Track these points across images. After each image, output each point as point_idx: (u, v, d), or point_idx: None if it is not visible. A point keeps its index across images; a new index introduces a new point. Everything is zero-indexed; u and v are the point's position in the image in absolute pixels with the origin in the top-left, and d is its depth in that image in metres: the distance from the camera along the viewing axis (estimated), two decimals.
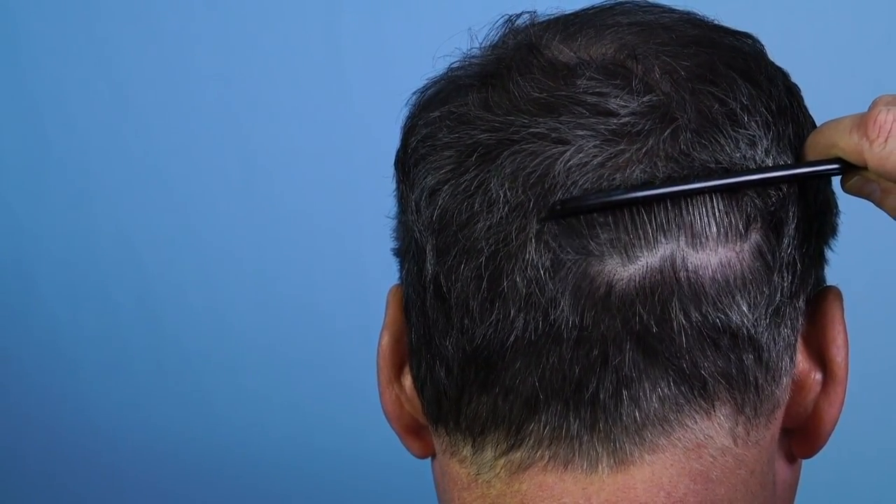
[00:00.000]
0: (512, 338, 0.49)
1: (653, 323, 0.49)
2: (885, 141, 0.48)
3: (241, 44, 1.44)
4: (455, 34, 0.57)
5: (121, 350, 1.53)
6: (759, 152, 0.51)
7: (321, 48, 1.41)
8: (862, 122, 0.49)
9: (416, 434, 0.57)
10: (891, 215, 0.51)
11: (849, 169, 0.51)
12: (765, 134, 0.51)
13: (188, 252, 1.49)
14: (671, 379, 0.49)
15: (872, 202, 0.51)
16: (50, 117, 1.51)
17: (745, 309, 0.50)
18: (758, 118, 0.51)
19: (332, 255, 1.44)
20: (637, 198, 0.48)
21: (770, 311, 0.51)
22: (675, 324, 0.49)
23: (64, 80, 1.50)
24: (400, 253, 0.57)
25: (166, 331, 1.52)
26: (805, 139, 0.53)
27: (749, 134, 0.51)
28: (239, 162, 1.47)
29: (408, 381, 0.57)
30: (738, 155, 0.50)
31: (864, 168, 0.50)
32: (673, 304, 0.49)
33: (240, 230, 1.47)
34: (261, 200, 1.47)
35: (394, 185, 0.57)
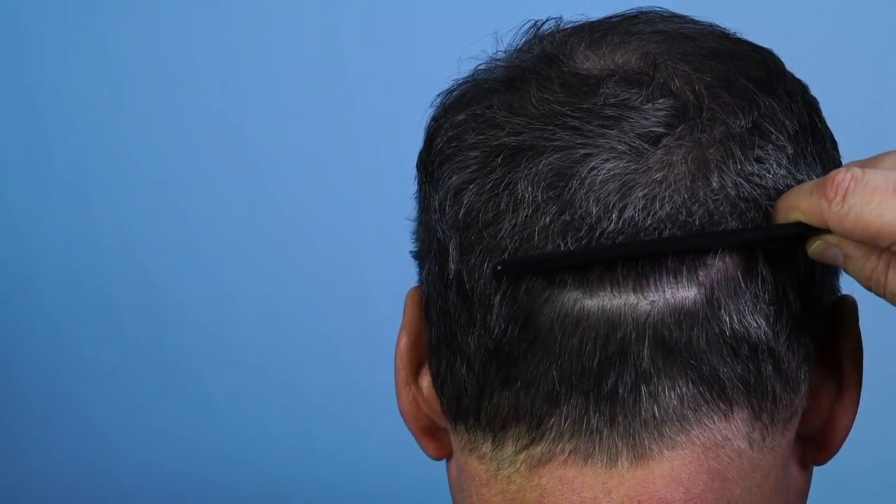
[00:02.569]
0: (532, 332, 0.52)
1: (674, 328, 0.51)
2: (843, 199, 0.49)
3: (243, 46, 1.46)
4: (479, 39, 0.59)
5: (122, 351, 1.55)
6: (780, 168, 0.53)
7: (324, 51, 1.43)
8: (821, 183, 0.50)
9: (431, 435, 0.59)
10: (856, 279, 0.52)
11: (811, 233, 0.51)
12: (786, 147, 0.53)
13: (189, 254, 1.51)
14: (690, 379, 0.51)
15: (838, 266, 0.52)
16: (50, 120, 1.53)
17: (763, 322, 0.52)
18: (780, 133, 0.53)
19: (333, 257, 1.46)
20: (582, 260, 0.50)
21: (790, 321, 0.53)
22: (694, 332, 0.51)
23: (64, 81, 1.51)
24: (420, 255, 0.58)
25: (167, 332, 1.53)
26: (825, 155, 0.55)
27: (770, 149, 0.53)
28: (240, 164, 1.48)
29: (425, 381, 0.59)
30: (754, 168, 0.52)
31: (827, 231, 0.51)
32: (696, 312, 0.51)
33: (241, 231, 1.49)
34: (261, 203, 1.48)
35: (415, 188, 0.59)
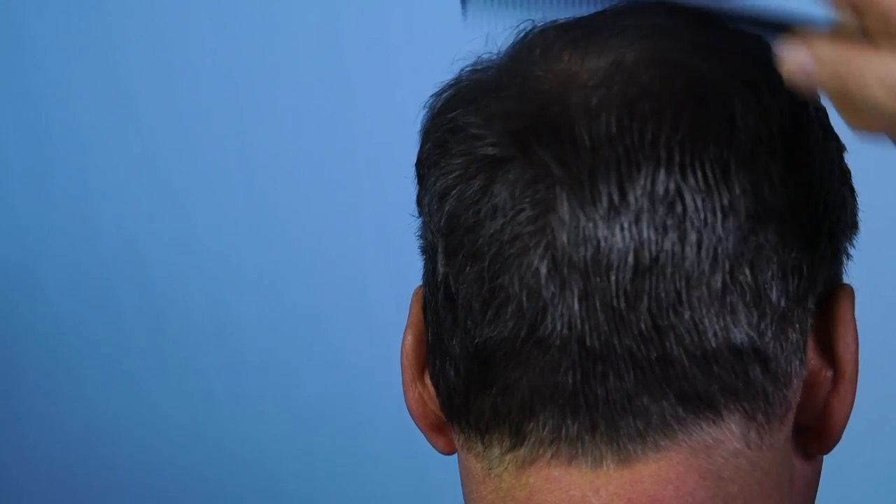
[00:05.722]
0: (504, 342, 0.53)
1: (651, 346, 0.52)
2: None
3: (245, 45, 1.47)
4: (475, 38, 0.60)
5: (123, 349, 1.57)
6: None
7: (326, 51, 1.44)
8: None
9: (440, 431, 0.61)
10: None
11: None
12: (759, 157, 0.53)
13: (191, 252, 1.53)
14: (674, 394, 0.52)
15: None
16: (53, 118, 1.55)
17: (746, 324, 0.52)
18: (751, 143, 0.53)
19: (333, 256, 1.47)
20: None
21: (775, 318, 0.53)
22: (674, 348, 0.52)
23: (67, 80, 1.54)
24: (423, 251, 0.60)
25: (168, 330, 1.55)
26: (813, 155, 0.56)
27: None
28: (242, 163, 1.50)
29: (430, 379, 0.60)
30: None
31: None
32: (672, 329, 0.52)
33: (242, 230, 1.50)
34: (263, 202, 1.50)
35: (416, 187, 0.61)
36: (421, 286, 0.61)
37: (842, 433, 0.58)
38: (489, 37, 0.60)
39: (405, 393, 0.62)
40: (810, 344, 0.56)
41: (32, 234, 1.59)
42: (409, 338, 0.61)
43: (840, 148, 0.59)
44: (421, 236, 0.61)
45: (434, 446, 0.63)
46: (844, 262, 0.60)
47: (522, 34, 0.58)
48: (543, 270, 0.52)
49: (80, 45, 1.53)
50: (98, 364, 1.60)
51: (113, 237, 1.56)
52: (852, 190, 0.60)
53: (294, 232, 1.50)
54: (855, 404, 0.57)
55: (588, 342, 0.52)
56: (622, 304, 0.52)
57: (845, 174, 0.59)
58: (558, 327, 0.52)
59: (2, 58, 1.57)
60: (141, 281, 1.56)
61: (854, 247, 0.60)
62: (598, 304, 0.52)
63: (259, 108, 1.49)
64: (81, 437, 1.63)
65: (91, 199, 1.57)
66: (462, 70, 0.58)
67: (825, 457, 0.59)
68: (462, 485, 0.61)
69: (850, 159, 0.59)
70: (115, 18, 1.51)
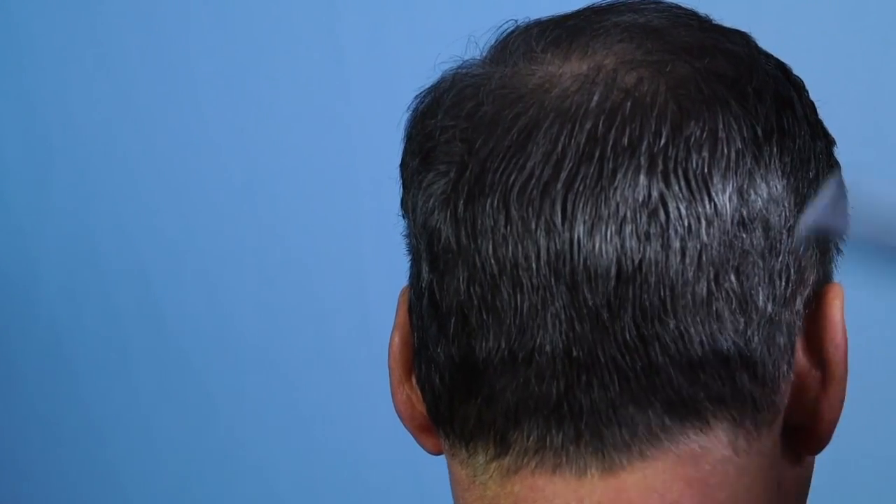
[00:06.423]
0: (490, 352, 0.53)
1: (636, 356, 0.51)
2: None
3: (244, 45, 1.47)
4: (457, 39, 0.60)
5: (122, 351, 1.57)
6: (730, 184, 0.53)
7: (323, 49, 1.44)
8: None
9: (428, 432, 0.60)
10: None
11: None
12: (743, 162, 0.53)
13: (190, 254, 1.52)
14: (659, 402, 0.52)
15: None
16: (51, 119, 1.55)
17: (732, 331, 0.52)
18: (736, 148, 0.53)
19: (333, 257, 1.47)
20: None
21: (762, 323, 0.53)
22: (660, 356, 0.52)
23: (65, 81, 1.53)
24: (409, 252, 0.60)
25: (168, 332, 1.55)
26: (799, 155, 0.55)
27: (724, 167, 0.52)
28: (240, 164, 1.50)
29: None
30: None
31: None
32: (657, 338, 0.51)
33: (241, 232, 1.50)
34: (262, 202, 1.49)
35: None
36: (407, 286, 0.60)
37: (831, 435, 0.57)
38: (472, 38, 0.59)
39: (393, 395, 0.61)
40: (799, 345, 0.56)
41: (30, 237, 1.59)
42: (396, 339, 0.61)
43: (829, 144, 0.59)
44: (407, 236, 0.60)
45: (423, 447, 0.62)
46: (835, 258, 0.59)
47: (504, 35, 0.58)
48: (526, 282, 0.52)
49: (79, 46, 1.53)
50: (96, 364, 1.60)
51: (111, 239, 1.56)
52: (842, 186, 0.59)
53: (294, 232, 1.50)
54: (846, 405, 0.57)
55: (573, 352, 0.52)
56: (605, 314, 0.51)
57: (834, 171, 0.58)
58: (542, 338, 0.52)
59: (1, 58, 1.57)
60: (139, 284, 1.56)
61: (846, 242, 0.60)
62: (582, 315, 0.51)
63: (258, 108, 1.49)
64: (80, 437, 1.63)
65: (89, 200, 1.56)
66: (444, 73, 0.57)
67: (821, 457, 0.59)
68: (451, 489, 0.61)
69: (848, 158, 0.59)
70: (114, 18, 1.51)
